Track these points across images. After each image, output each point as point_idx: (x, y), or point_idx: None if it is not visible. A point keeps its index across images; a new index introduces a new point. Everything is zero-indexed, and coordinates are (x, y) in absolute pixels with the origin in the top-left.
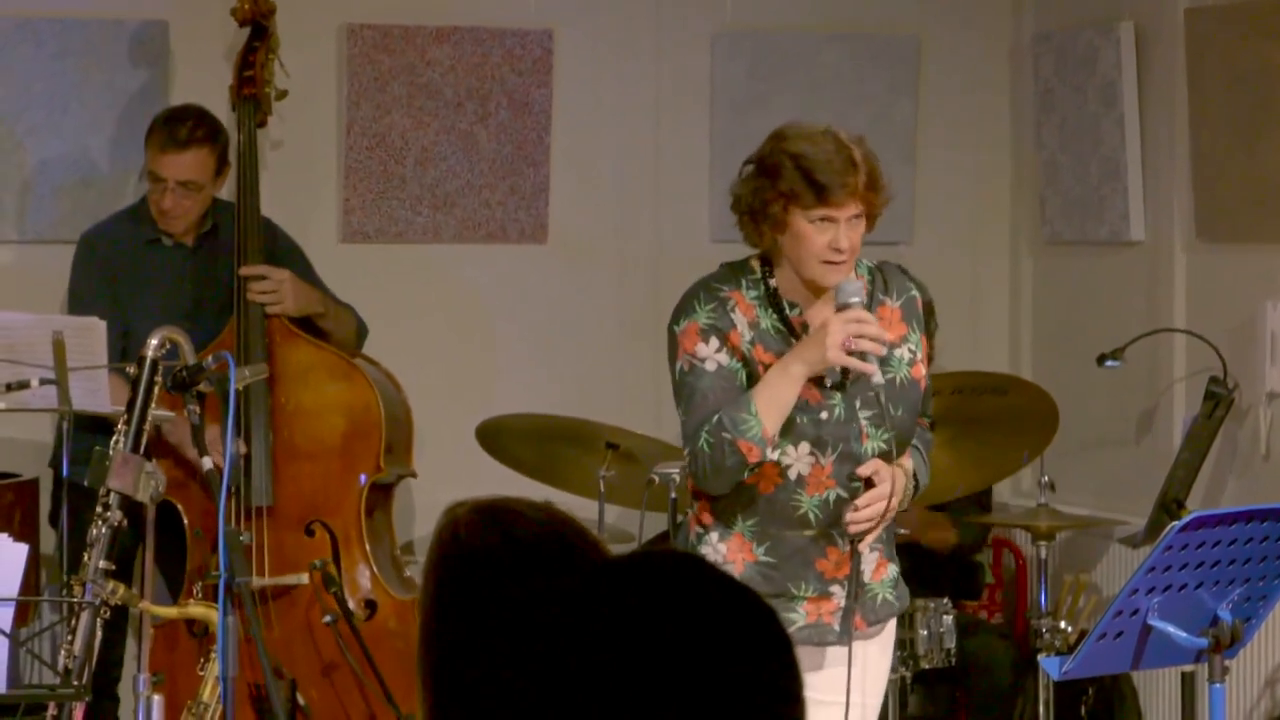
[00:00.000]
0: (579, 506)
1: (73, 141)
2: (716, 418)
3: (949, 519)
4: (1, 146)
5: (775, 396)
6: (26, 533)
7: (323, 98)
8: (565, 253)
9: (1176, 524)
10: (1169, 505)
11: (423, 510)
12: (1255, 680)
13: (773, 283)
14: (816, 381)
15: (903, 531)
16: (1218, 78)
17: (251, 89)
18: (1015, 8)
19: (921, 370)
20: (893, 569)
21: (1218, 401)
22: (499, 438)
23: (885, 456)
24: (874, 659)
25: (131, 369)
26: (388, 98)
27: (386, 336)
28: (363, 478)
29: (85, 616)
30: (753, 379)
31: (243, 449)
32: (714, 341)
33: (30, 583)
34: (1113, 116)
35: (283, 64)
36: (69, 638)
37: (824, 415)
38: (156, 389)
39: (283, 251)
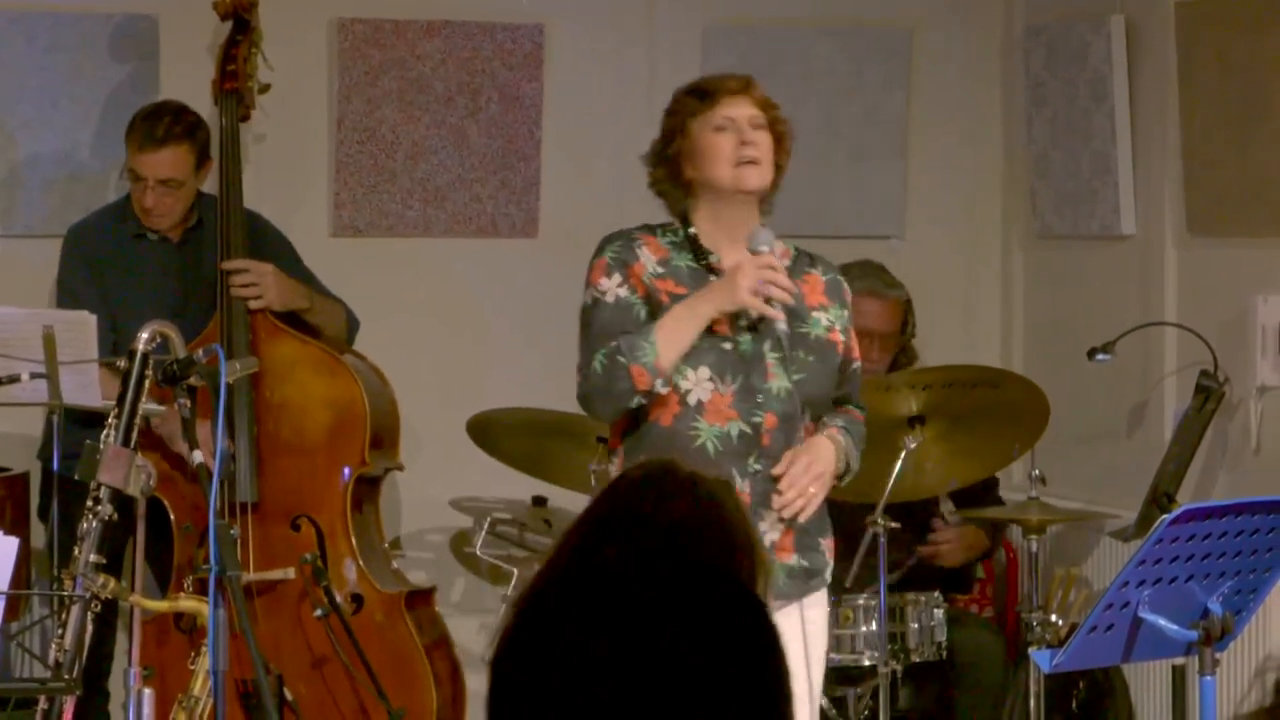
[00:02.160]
0: (570, 500)
1: (63, 136)
2: (615, 343)
3: (975, 527)
4: None
5: (676, 331)
6: (17, 527)
7: (313, 92)
8: (556, 247)
9: (1167, 517)
10: (1159, 499)
11: (412, 505)
12: (1245, 672)
13: (692, 230)
14: (731, 319)
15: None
16: (1208, 72)
17: (233, 83)
18: (1006, 1)
19: (839, 338)
20: (798, 560)
21: (1208, 395)
22: (490, 431)
23: (791, 399)
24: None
25: (122, 363)
26: (378, 92)
27: (377, 330)
28: (346, 472)
29: (76, 610)
30: (654, 311)
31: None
32: (616, 276)
33: (20, 577)
34: (1104, 110)
35: (266, 58)
36: (59, 631)
37: (727, 346)
38: (147, 383)
39: (269, 245)
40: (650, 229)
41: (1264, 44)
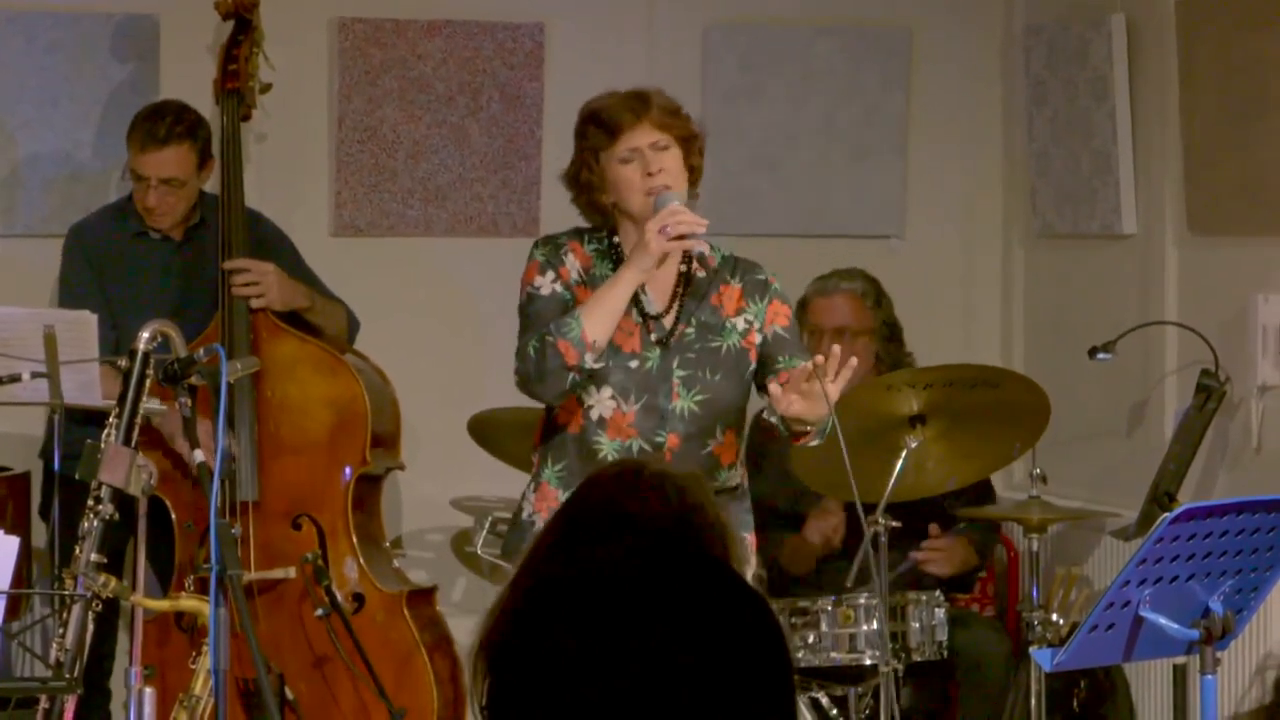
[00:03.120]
0: None
1: (63, 135)
2: (548, 326)
3: (967, 541)
4: None
5: (599, 300)
6: (18, 526)
7: (314, 91)
8: None
9: (1168, 516)
10: (1160, 498)
11: (413, 504)
12: (1245, 670)
13: (616, 239)
14: (642, 332)
15: (932, 569)
16: (1209, 70)
17: (235, 83)
18: (1006, 1)
19: (755, 338)
20: None
21: (1209, 394)
22: (491, 431)
23: (695, 419)
24: None
25: (123, 362)
26: (379, 91)
27: (378, 330)
28: (347, 471)
29: (77, 609)
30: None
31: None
32: (549, 274)
33: (21, 576)
34: (1104, 109)
35: (267, 57)
36: (60, 631)
37: (634, 364)
38: (148, 382)
39: (270, 243)
40: (579, 234)
41: (1264, 42)
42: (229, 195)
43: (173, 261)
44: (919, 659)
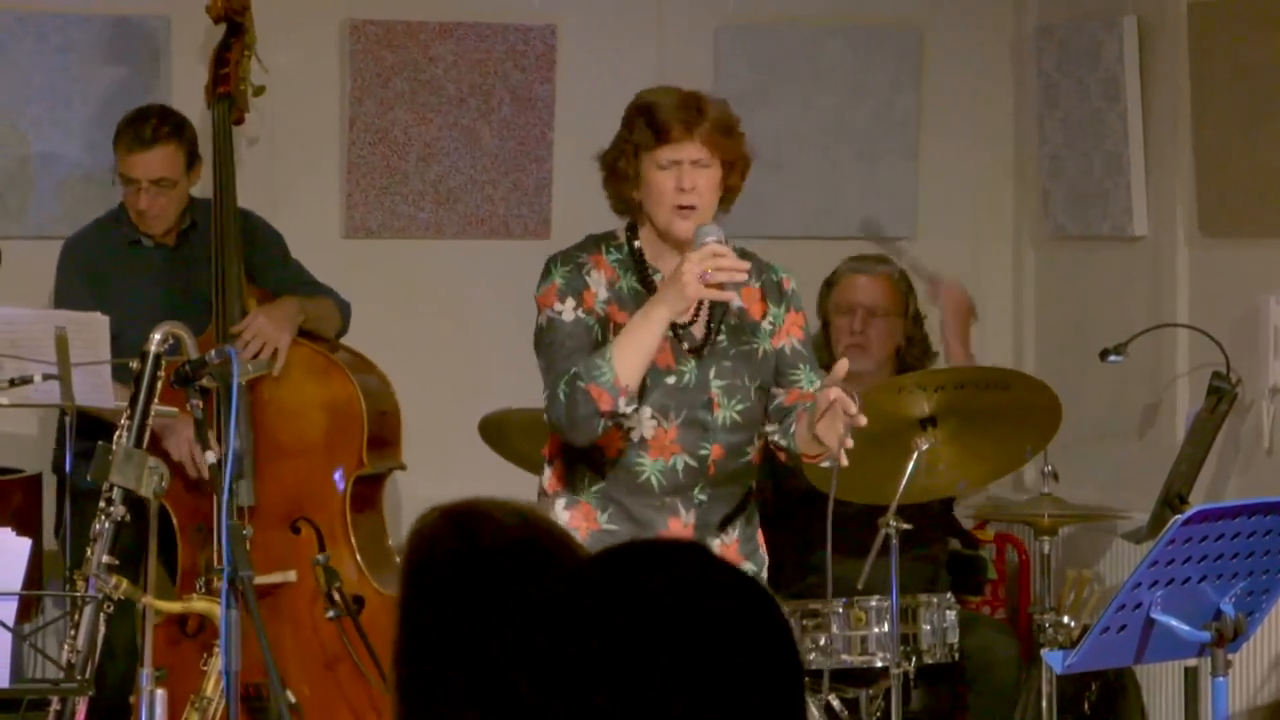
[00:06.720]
0: None
1: (75, 136)
2: (575, 369)
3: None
4: (4, 141)
5: (632, 341)
6: (29, 528)
7: (325, 93)
8: None
9: (1179, 518)
10: (1172, 500)
11: (422, 506)
12: (1256, 671)
13: (637, 244)
14: (674, 345)
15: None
16: (1221, 71)
17: (226, 86)
18: (1018, 1)
19: (784, 338)
20: (749, 567)
21: (1221, 396)
22: (502, 432)
23: (737, 428)
24: None
25: (135, 364)
26: (391, 93)
27: (389, 331)
28: (339, 475)
29: (88, 611)
30: (607, 333)
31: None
32: (570, 300)
33: (33, 578)
34: (1116, 110)
35: (260, 60)
36: (72, 632)
37: (671, 380)
38: (159, 384)
39: (260, 241)
40: (597, 244)
41: (1276, 43)
42: (221, 200)
43: (166, 268)
44: (930, 661)
